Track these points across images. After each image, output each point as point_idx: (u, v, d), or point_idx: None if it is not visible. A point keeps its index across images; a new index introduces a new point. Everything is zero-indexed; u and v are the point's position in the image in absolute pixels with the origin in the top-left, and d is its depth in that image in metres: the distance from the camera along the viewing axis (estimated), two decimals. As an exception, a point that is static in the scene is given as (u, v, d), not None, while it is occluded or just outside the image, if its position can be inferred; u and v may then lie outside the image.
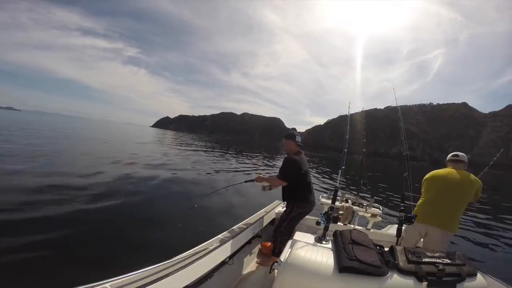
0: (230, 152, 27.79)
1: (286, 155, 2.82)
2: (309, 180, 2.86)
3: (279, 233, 2.75)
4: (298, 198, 2.75)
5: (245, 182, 3.05)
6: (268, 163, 20.92)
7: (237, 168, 14.58)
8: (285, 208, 2.86)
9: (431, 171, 2.74)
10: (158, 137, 46.84)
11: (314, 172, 17.50)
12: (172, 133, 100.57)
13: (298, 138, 2.81)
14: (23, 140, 13.33)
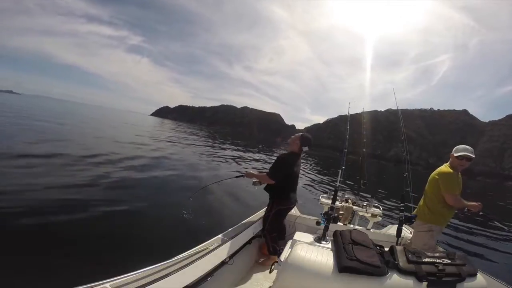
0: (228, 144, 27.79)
1: (280, 154, 2.85)
2: (296, 181, 2.93)
3: (267, 231, 2.82)
4: (279, 196, 2.81)
5: (236, 177, 3.08)
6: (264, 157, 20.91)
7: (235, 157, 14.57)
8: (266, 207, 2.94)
9: (427, 175, 2.83)
10: (156, 126, 46.51)
11: (313, 172, 17.56)
12: (170, 123, 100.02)
13: (306, 148, 2.82)
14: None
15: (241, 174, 3.01)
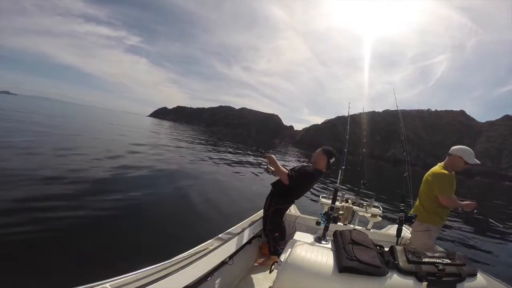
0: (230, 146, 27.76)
1: (309, 166, 2.79)
2: (305, 193, 2.94)
3: (269, 231, 2.81)
4: (282, 196, 2.79)
5: (260, 153, 3.00)
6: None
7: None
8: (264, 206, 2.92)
9: (424, 175, 2.81)
10: (154, 127, 46.46)
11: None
12: (169, 124, 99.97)
13: (333, 159, 2.75)
14: None
15: (265, 153, 2.95)
